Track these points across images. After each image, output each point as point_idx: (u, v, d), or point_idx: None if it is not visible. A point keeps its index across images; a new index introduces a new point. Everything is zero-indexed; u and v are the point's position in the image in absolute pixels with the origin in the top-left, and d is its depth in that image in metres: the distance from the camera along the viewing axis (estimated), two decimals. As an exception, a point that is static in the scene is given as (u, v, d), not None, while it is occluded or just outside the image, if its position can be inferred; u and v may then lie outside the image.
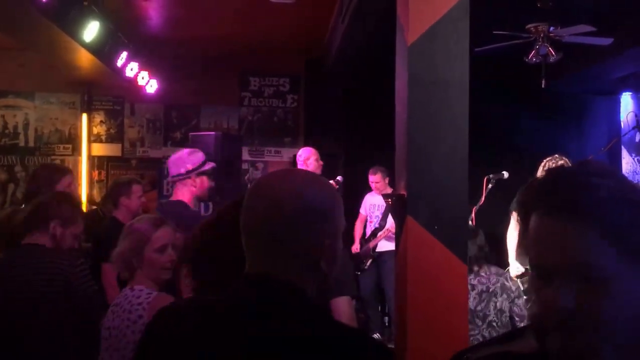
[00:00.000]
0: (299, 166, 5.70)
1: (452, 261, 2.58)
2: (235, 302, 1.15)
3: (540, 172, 5.42)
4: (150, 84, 6.81)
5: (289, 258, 1.14)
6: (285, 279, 1.13)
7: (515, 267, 5.38)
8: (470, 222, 3.60)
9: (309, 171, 1.35)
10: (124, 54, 5.95)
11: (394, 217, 2.85)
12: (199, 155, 3.50)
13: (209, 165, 3.51)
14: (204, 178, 3.44)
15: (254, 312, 1.11)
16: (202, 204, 3.99)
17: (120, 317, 2.15)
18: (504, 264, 5.32)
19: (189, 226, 2.43)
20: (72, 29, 4.89)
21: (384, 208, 6.01)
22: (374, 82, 5.04)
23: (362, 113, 6.82)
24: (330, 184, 1.27)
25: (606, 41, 5.22)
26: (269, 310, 1.11)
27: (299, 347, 1.07)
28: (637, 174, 7.38)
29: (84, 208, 6.11)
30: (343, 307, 2.39)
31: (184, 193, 3.40)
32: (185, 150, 3.61)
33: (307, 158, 5.38)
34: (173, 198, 3.48)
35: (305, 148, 5.60)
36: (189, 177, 3.40)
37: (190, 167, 3.41)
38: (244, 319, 1.10)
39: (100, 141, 7.74)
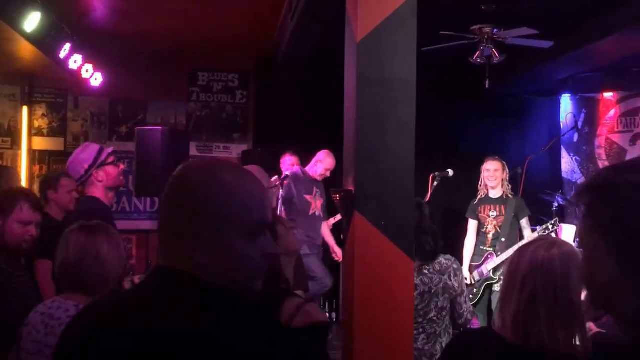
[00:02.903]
0: (310, 165, 5.84)
1: (399, 257, 2.62)
2: (141, 296, 1.14)
3: (483, 171, 5.62)
4: (95, 77, 6.63)
5: (189, 251, 1.12)
6: (183, 270, 1.11)
7: (466, 277, 5.54)
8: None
9: (235, 165, 1.29)
10: (67, 46, 5.78)
11: (341, 213, 2.86)
12: (91, 150, 3.49)
13: (106, 153, 3.49)
14: (108, 168, 3.44)
15: (155, 305, 1.09)
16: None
17: (56, 334, 1.98)
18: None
19: (101, 219, 2.45)
20: (12, 19, 4.72)
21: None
22: (325, 80, 5.05)
23: (312, 110, 6.83)
24: (255, 180, 1.21)
25: (547, 44, 5.40)
26: (166, 303, 1.09)
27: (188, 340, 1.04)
28: (575, 172, 7.66)
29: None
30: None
31: (94, 189, 3.43)
32: (77, 150, 3.59)
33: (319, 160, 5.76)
34: (87, 194, 3.51)
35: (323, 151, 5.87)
36: (91, 175, 3.41)
37: (86, 165, 3.42)
38: (146, 313, 1.08)
39: (42, 135, 7.49)
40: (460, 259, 5.68)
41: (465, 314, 3.08)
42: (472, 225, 5.64)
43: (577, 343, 1.68)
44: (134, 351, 1.04)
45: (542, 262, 1.72)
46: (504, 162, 5.60)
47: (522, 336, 1.69)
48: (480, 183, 5.63)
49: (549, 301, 1.68)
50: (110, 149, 3.54)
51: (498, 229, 5.47)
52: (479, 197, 5.64)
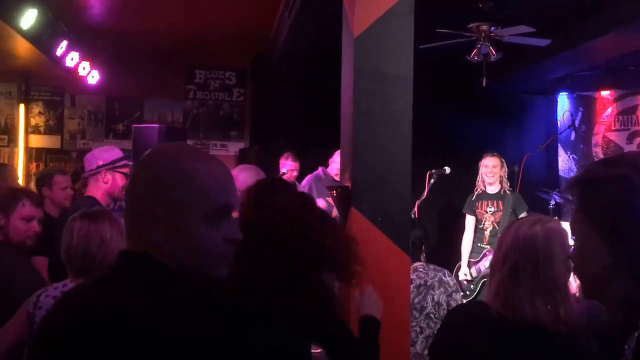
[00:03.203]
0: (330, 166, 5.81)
1: (395, 252, 2.62)
2: (106, 281, 1.15)
3: (481, 167, 5.60)
4: (91, 75, 6.62)
5: (147, 231, 1.13)
6: (141, 251, 1.13)
7: (464, 273, 5.52)
8: (412, 216, 3.68)
9: (193, 147, 1.31)
10: (64, 43, 5.76)
11: (338, 209, 2.86)
12: (114, 153, 3.47)
13: (123, 162, 3.47)
14: (117, 175, 3.41)
15: (116, 288, 1.10)
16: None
17: None
18: (448, 260, 5.46)
19: None
20: (8, 16, 4.71)
21: None
22: (322, 77, 5.05)
23: (309, 107, 6.83)
24: (219, 165, 1.21)
25: (544, 42, 5.40)
26: (125, 285, 1.10)
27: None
28: (572, 171, 7.67)
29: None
30: None
31: (95, 189, 3.39)
32: (103, 147, 3.61)
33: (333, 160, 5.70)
34: (86, 193, 3.46)
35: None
36: (99, 172, 3.38)
37: (101, 162, 3.40)
38: (108, 298, 1.09)
39: (39, 132, 7.47)
40: (457, 256, 5.69)
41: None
42: (470, 221, 5.62)
43: (562, 315, 1.75)
44: (98, 339, 1.03)
45: (523, 238, 1.81)
46: (503, 159, 5.58)
47: (504, 306, 1.78)
48: (478, 179, 5.61)
49: (528, 274, 1.77)
50: (128, 163, 3.51)
51: (496, 225, 5.45)
52: (476, 193, 5.63)
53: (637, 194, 1.02)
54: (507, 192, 5.54)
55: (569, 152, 7.69)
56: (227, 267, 1.18)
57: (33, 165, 7.37)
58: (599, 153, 7.39)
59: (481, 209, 5.56)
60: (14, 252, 2.76)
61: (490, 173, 5.51)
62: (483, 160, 5.58)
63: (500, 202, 5.48)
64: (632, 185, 1.02)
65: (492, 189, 5.56)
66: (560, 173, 7.71)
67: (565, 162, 7.72)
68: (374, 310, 2.06)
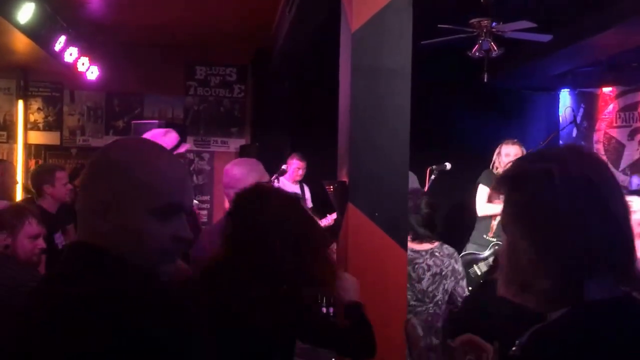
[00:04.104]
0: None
1: (392, 247, 2.61)
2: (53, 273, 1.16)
3: (500, 155, 5.29)
4: (91, 71, 6.59)
5: (93, 220, 1.14)
6: (86, 241, 1.13)
7: (475, 269, 5.20)
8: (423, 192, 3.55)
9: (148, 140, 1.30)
10: (63, 38, 5.74)
11: (335, 204, 2.84)
12: (172, 136, 3.32)
13: (184, 148, 3.40)
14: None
15: (60, 280, 1.10)
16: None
17: None
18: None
19: None
20: (6, 10, 4.68)
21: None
22: (322, 73, 5.02)
23: (309, 104, 6.80)
24: (176, 163, 1.22)
25: (545, 37, 5.35)
26: (67, 276, 1.10)
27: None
28: (573, 167, 7.63)
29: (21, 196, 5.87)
30: None
31: None
32: (160, 130, 3.43)
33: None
34: None
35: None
36: None
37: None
38: (51, 289, 1.09)
39: (38, 129, 7.46)
40: (459, 250, 5.57)
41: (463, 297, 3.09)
42: (484, 191, 5.09)
43: None
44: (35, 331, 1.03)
45: None
46: (524, 147, 5.16)
47: None
48: (493, 166, 5.16)
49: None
50: (187, 146, 3.39)
51: None
52: (496, 173, 5.12)
53: (558, 189, 1.03)
54: None
55: (570, 149, 7.66)
56: (173, 266, 1.18)
57: (32, 162, 7.34)
58: (600, 150, 7.36)
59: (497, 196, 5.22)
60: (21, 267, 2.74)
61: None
62: (502, 148, 5.17)
63: None
64: (554, 179, 1.03)
65: None
66: (562, 170, 7.66)
67: (566, 159, 7.68)
68: (353, 294, 2.05)
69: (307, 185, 6.35)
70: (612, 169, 7.22)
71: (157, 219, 1.13)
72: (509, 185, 1.11)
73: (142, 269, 1.13)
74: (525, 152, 5.08)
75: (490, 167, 5.28)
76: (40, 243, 2.81)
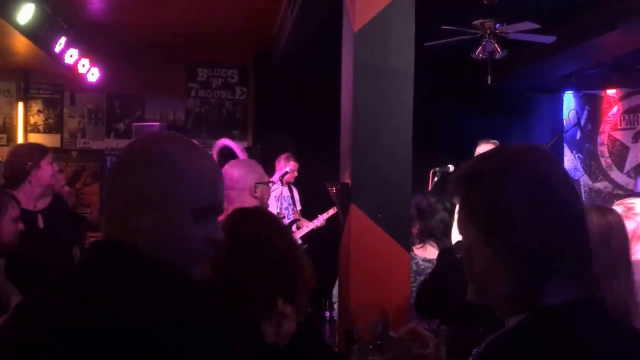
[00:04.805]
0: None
1: (395, 249, 2.57)
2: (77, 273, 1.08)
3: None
4: (91, 72, 6.56)
5: (120, 214, 1.07)
6: (113, 240, 1.06)
7: None
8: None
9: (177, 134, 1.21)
10: (63, 40, 5.70)
11: (337, 205, 2.80)
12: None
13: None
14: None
15: (87, 281, 1.02)
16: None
17: None
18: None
19: None
20: (5, 11, 4.65)
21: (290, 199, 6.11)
22: (324, 74, 4.98)
23: (311, 105, 6.76)
24: (211, 162, 1.16)
25: (549, 39, 5.32)
26: (99, 277, 1.02)
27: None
28: (577, 170, 7.59)
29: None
30: None
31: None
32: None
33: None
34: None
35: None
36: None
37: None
38: (80, 292, 1.01)
39: (38, 131, 7.42)
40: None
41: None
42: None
43: None
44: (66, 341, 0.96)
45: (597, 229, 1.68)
46: (499, 144, 5.27)
47: None
48: None
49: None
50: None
51: None
52: None
53: (513, 189, 1.00)
54: None
55: (574, 152, 7.61)
56: (205, 267, 1.13)
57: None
58: (604, 152, 7.32)
59: None
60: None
61: None
62: (478, 147, 5.09)
63: None
64: (507, 180, 1.00)
65: None
66: (566, 172, 7.63)
67: (570, 162, 7.64)
68: None
69: (296, 187, 6.34)
70: (617, 171, 7.23)
71: (196, 219, 1.08)
72: (463, 186, 1.08)
73: (175, 269, 1.07)
74: None
75: None
76: (21, 225, 2.77)
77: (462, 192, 1.07)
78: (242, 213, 1.87)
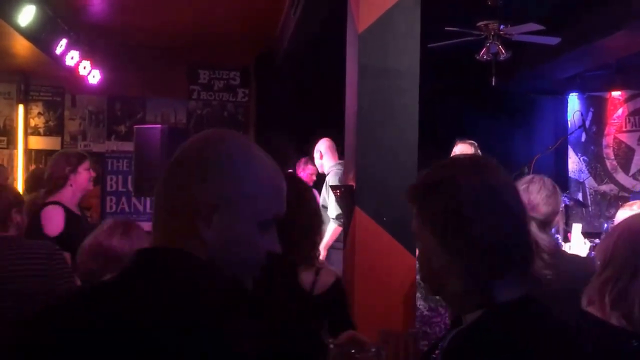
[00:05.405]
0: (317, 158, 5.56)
1: (400, 252, 2.54)
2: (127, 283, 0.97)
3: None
4: (92, 74, 6.52)
5: (168, 223, 0.98)
6: (170, 248, 0.97)
7: None
8: None
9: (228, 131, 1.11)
10: (64, 41, 5.67)
11: (342, 208, 2.76)
12: None
13: None
14: None
15: (142, 293, 0.93)
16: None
17: None
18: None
19: None
20: (6, 12, 4.62)
21: None
22: (327, 76, 4.95)
23: (314, 107, 6.72)
24: (281, 172, 1.08)
25: (554, 40, 5.28)
26: (155, 288, 0.93)
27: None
28: (582, 172, 7.54)
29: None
30: None
31: None
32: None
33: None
34: None
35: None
36: None
37: None
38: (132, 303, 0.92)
39: (39, 134, 7.38)
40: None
41: None
42: None
43: None
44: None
45: None
46: (476, 145, 4.90)
47: (627, 318, 1.61)
48: None
49: None
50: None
51: None
52: None
53: (464, 196, 1.12)
54: None
55: (579, 154, 7.56)
56: (256, 277, 1.05)
57: (33, 168, 7.27)
58: (610, 154, 7.27)
59: None
60: None
61: None
62: (455, 147, 4.86)
63: None
64: (460, 188, 1.12)
65: None
66: (570, 175, 7.59)
67: (575, 164, 7.59)
68: None
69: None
70: (623, 174, 7.17)
71: (262, 230, 1.00)
72: (420, 194, 1.19)
73: (234, 280, 0.99)
74: (476, 151, 4.77)
75: None
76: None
77: (419, 199, 1.19)
78: None
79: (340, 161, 5.11)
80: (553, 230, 5.10)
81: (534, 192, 2.19)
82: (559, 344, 1.09)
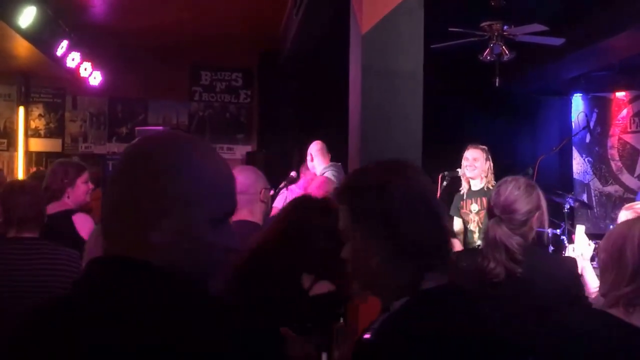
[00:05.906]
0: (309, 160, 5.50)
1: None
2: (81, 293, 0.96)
3: (462, 161, 5.02)
4: (93, 76, 6.50)
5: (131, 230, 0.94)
6: (120, 256, 0.94)
7: None
8: None
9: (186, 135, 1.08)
10: (65, 43, 5.65)
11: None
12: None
13: None
14: None
15: (96, 303, 0.91)
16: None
17: None
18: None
19: None
20: (6, 14, 4.60)
21: None
22: (330, 77, 4.92)
23: (317, 108, 6.69)
24: (226, 164, 1.04)
25: (558, 41, 5.24)
26: (109, 298, 0.91)
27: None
28: (587, 173, 7.49)
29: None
30: None
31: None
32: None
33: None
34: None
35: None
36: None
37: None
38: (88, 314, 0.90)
39: (39, 136, 7.36)
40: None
41: None
42: (457, 224, 4.87)
43: None
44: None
45: None
46: (486, 150, 4.84)
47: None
48: (462, 174, 4.88)
49: None
50: None
51: (480, 225, 4.65)
52: (462, 191, 4.89)
53: (394, 197, 1.21)
54: (491, 187, 4.57)
55: (584, 155, 7.52)
56: (221, 280, 1.03)
57: (33, 170, 7.23)
58: (614, 155, 7.22)
59: (466, 209, 4.83)
60: None
61: (471, 167, 4.73)
62: (466, 152, 4.84)
63: (484, 199, 4.59)
64: (390, 190, 1.22)
65: (476, 185, 4.79)
66: (575, 176, 7.55)
67: (580, 165, 7.55)
68: None
69: None
70: (628, 175, 7.12)
71: (214, 227, 0.97)
72: (351, 197, 1.26)
73: (193, 284, 0.96)
74: (488, 157, 4.79)
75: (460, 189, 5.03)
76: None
77: (351, 201, 1.26)
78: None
79: (332, 163, 5.12)
80: (549, 230, 5.00)
81: (508, 192, 2.20)
82: (470, 325, 1.21)
